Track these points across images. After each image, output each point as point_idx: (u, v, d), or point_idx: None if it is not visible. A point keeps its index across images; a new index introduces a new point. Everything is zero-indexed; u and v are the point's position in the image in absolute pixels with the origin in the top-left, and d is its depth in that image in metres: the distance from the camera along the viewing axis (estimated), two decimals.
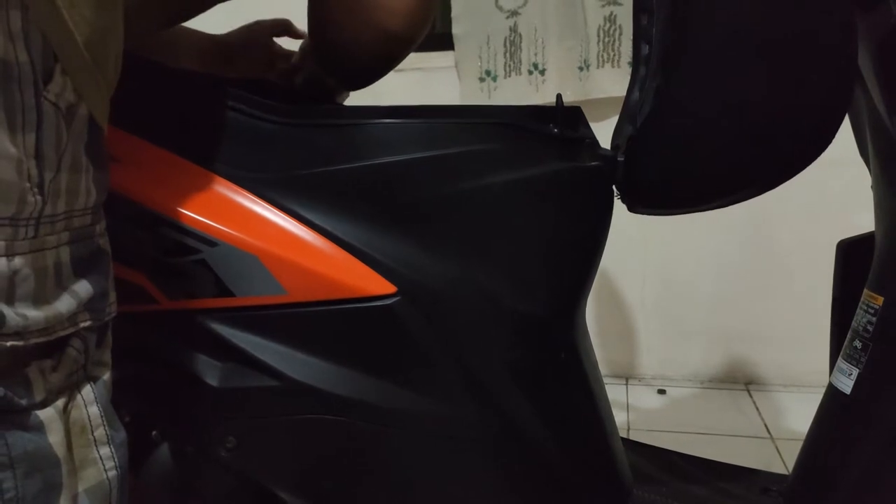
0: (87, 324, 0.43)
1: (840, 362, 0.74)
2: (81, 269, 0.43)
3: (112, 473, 0.45)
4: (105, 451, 0.45)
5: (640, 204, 0.77)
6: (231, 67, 0.86)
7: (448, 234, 0.68)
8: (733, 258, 1.88)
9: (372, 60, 0.67)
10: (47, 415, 0.40)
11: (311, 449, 0.69)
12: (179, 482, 0.72)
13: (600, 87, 1.81)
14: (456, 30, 1.90)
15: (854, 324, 0.73)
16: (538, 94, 1.88)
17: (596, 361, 0.81)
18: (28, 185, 0.37)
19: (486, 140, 0.69)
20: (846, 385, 0.71)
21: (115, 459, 0.45)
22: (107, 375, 0.47)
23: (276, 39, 0.89)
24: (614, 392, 1.88)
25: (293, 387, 0.65)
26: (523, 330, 0.72)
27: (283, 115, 0.68)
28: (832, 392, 0.74)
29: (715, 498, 0.88)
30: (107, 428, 0.45)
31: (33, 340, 0.38)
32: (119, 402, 0.71)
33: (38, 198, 0.38)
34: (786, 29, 0.65)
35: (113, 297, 0.48)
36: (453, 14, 1.89)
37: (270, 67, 0.87)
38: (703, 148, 0.71)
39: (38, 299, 0.38)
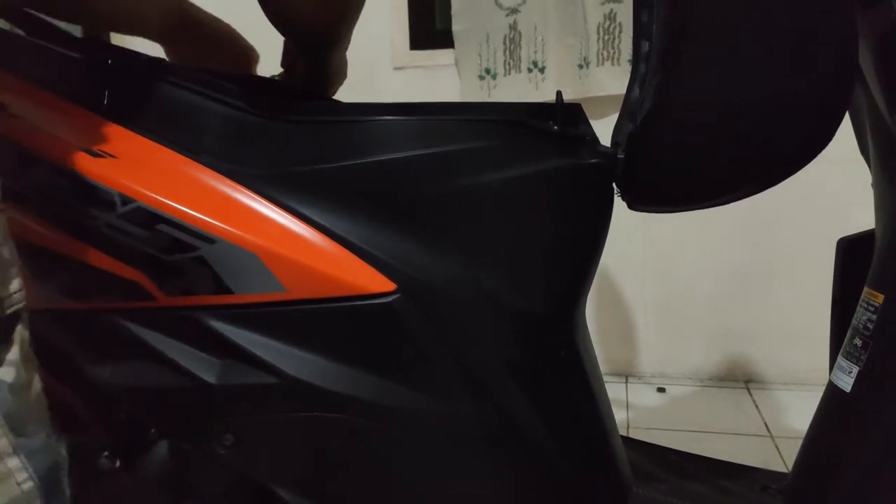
0: None
1: (840, 360, 0.74)
2: None
3: (28, 486, 0.40)
4: (14, 462, 0.40)
5: (641, 201, 0.76)
6: (192, 46, 0.83)
7: (447, 232, 0.68)
8: (733, 256, 1.88)
9: (322, 18, 0.68)
10: None
11: (309, 446, 0.69)
12: (177, 480, 0.72)
13: (600, 84, 1.81)
14: (456, 27, 1.90)
15: (854, 321, 0.73)
16: (538, 91, 1.88)
17: (595, 359, 0.80)
18: None
19: (485, 137, 0.69)
20: (846, 383, 0.71)
21: (30, 470, 0.41)
22: (10, 378, 0.42)
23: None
24: (614, 390, 1.88)
25: (292, 384, 0.65)
26: (523, 327, 0.72)
27: (282, 111, 0.67)
28: (832, 390, 0.74)
29: (714, 496, 0.88)
30: (11, 437, 0.40)
31: None
32: (117, 400, 0.72)
33: None
34: (786, 26, 0.65)
35: (16, 287, 0.43)
36: (453, 11, 1.89)
37: (241, 61, 0.86)
38: (703, 145, 0.71)
39: None
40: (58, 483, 0.43)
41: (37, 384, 0.45)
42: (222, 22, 0.85)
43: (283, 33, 0.73)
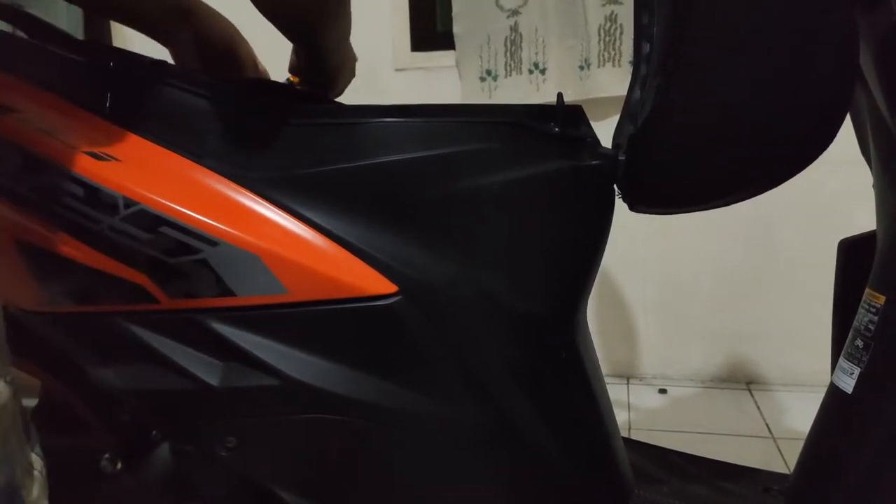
0: None
1: (841, 361, 0.74)
2: None
3: None
4: None
5: (642, 203, 0.77)
6: (192, 46, 0.81)
7: (449, 234, 0.68)
8: (735, 257, 1.88)
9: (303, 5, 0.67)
10: None
11: (311, 448, 0.69)
12: (179, 482, 0.72)
13: (601, 86, 1.81)
14: (457, 29, 1.90)
15: (855, 323, 0.73)
16: (539, 93, 1.88)
17: (597, 361, 0.80)
18: None
19: (487, 139, 0.69)
20: (848, 384, 0.71)
21: None
22: None
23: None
24: (615, 391, 1.88)
25: (293, 386, 0.65)
26: (524, 329, 0.72)
27: (284, 114, 0.68)
28: (834, 391, 0.74)
29: (716, 497, 0.88)
30: None
31: None
32: (119, 402, 0.72)
33: None
34: (786, 28, 0.65)
35: None
36: (454, 13, 1.89)
37: (241, 68, 0.85)
38: (704, 147, 0.71)
39: None
40: (15, 498, 0.41)
41: (2, 392, 0.42)
42: (229, 26, 0.84)
43: (269, 18, 0.71)
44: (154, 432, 0.72)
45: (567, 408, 0.76)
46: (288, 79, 0.86)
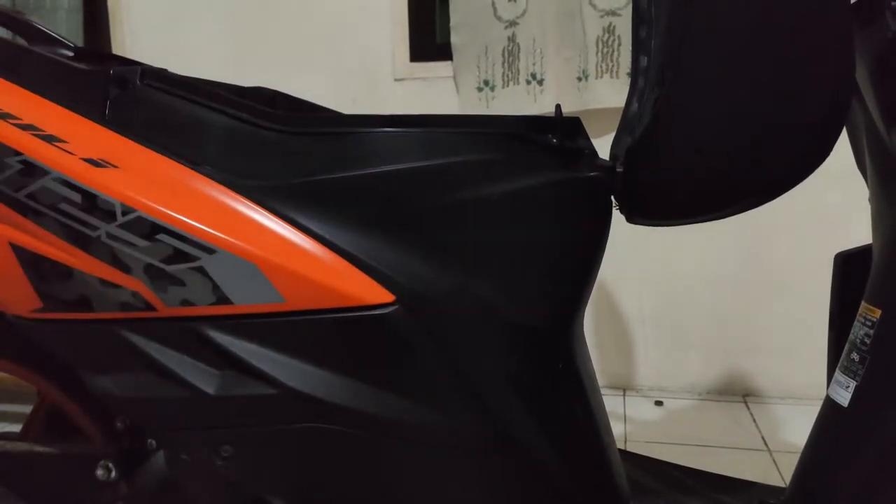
0: None
1: (837, 375, 0.74)
2: None
3: None
4: None
5: (639, 215, 0.77)
6: None
7: (447, 244, 0.68)
8: (731, 269, 1.88)
9: None
10: None
11: (307, 458, 0.69)
12: (174, 490, 0.71)
13: (599, 97, 1.82)
14: (454, 40, 1.91)
15: (851, 336, 0.73)
16: (536, 104, 1.89)
17: (593, 372, 0.80)
18: None
19: (485, 150, 0.69)
20: (844, 398, 0.71)
21: None
22: None
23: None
24: (612, 403, 1.88)
25: (290, 395, 0.65)
26: (520, 339, 0.72)
27: (283, 123, 0.68)
28: (830, 404, 0.74)
29: None
30: None
31: None
32: (115, 410, 0.71)
33: None
34: (783, 43, 0.65)
35: None
36: (452, 24, 1.90)
37: None
38: (701, 159, 0.71)
39: None
40: None
41: None
42: None
43: None
44: (150, 440, 0.72)
45: (563, 419, 0.76)
46: None
